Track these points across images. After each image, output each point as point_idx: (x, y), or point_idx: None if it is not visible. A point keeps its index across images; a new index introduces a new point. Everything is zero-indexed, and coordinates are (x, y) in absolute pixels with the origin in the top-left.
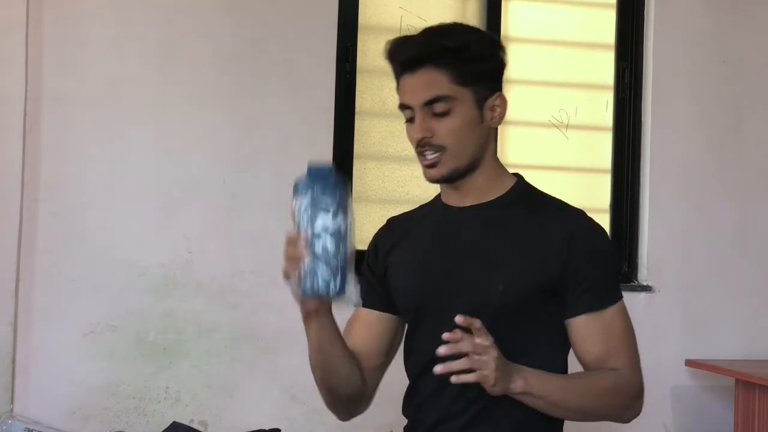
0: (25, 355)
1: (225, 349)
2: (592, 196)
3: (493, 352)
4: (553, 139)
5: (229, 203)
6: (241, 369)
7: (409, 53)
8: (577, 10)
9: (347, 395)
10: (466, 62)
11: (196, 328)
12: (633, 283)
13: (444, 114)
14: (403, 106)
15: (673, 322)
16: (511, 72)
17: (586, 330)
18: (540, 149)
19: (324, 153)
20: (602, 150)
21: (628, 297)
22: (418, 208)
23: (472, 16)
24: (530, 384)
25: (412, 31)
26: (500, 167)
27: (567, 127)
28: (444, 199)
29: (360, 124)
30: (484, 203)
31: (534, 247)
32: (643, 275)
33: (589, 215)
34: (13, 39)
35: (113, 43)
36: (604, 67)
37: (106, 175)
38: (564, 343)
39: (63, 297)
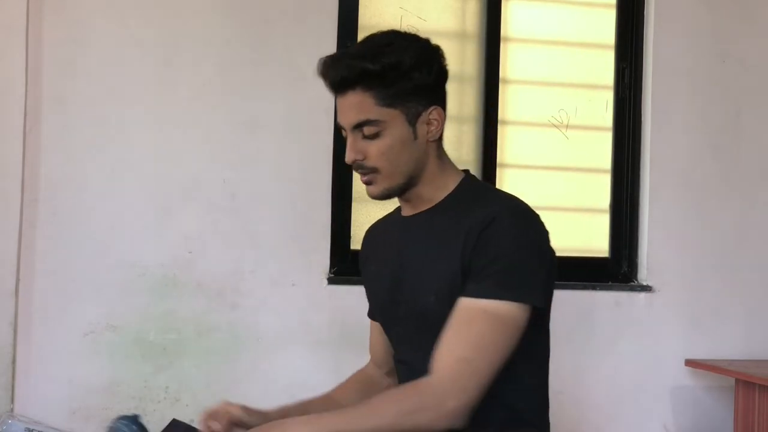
0: (25, 355)
1: (225, 349)
2: (592, 196)
3: None
4: (553, 139)
5: (229, 203)
6: (241, 369)
7: (333, 76)
8: (577, 10)
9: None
10: (391, 83)
11: (196, 328)
12: (633, 283)
13: (373, 136)
14: (339, 127)
15: (673, 322)
16: (510, 72)
17: (453, 313)
18: (540, 149)
19: (324, 153)
20: (602, 150)
21: (628, 297)
22: (390, 213)
23: (472, 16)
24: None
25: (412, 30)
26: (443, 173)
27: (567, 127)
28: (401, 209)
29: None
30: (427, 210)
31: (456, 249)
32: (643, 275)
33: (521, 209)
34: (13, 39)
35: (113, 43)
36: (604, 67)
37: (106, 175)
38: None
39: (63, 297)
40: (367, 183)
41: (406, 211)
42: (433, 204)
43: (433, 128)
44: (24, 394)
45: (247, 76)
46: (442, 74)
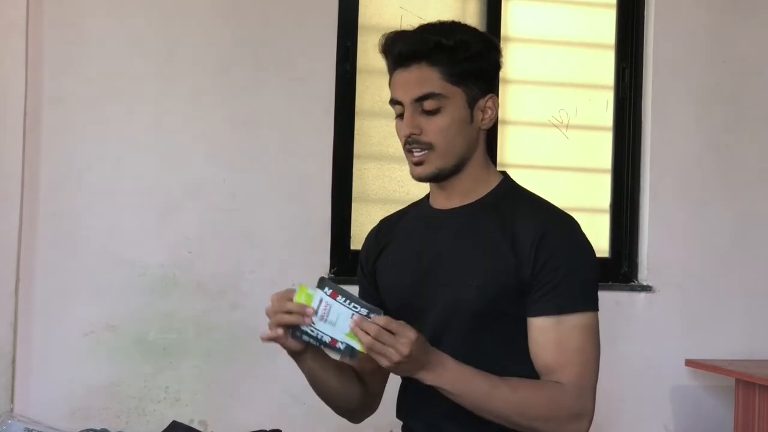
0: (25, 355)
1: (225, 349)
2: (592, 196)
3: (401, 342)
4: (553, 139)
5: (229, 203)
6: (241, 369)
7: (404, 48)
8: (577, 10)
9: (352, 407)
10: (460, 61)
11: (196, 328)
12: (633, 283)
13: (434, 112)
14: (393, 102)
15: (673, 322)
16: (511, 72)
17: (540, 334)
18: (540, 149)
19: (324, 153)
20: (602, 150)
21: (628, 297)
22: (407, 207)
23: (472, 16)
24: (444, 380)
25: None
26: (487, 168)
27: (567, 127)
28: (431, 200)
29: (360, 124)
30: (466, 205)
31: (505, 249)
32: (643, 275)
33: (571, 221)
34: (13, 39)
35: (113, 43)
36: (604, 67)
37: (106, 175)
38: None
39: (63, 297)
40: (418, 163)
41: (441, 203)
42: (474, 199)
43: (487, 116)
44: (24, 394)
45: (247, 76)
46: (499, 67)
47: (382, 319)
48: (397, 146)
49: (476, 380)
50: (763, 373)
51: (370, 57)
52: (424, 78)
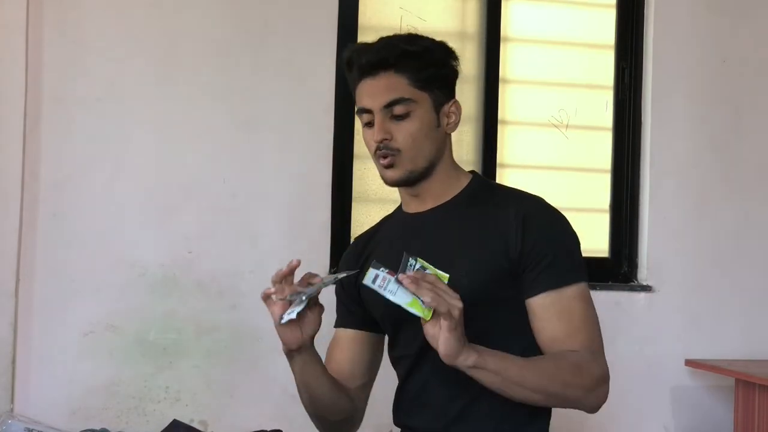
0: (25, 355)
1: (225, 349)
2: (592, 196)
3: (458, 302)
4: (553, 139)
5: (229, 203)
6: (241, 369)
7: (371, 57)
8: (577, 10)
9: (338, 420)
10: (425, 67)
11: (196, 328)
12: (633, 283)
13: (403, 116)
14: (361, 111)
15: (673, 322)
16: (510, 72)
17: (543, 310)
18: (540, 149)
19: (324, 153)
20: (602, 150)
21: (628, 297)
22: (379, 222)
23: (472, 16)
24: (485, 359)
25: (407, 32)
26: (455, 169)
27: (567, 127)
28: (404, 208)
29: (360, 124)
30: (440, 205)
31: (490, 236)
32: (643, 275)
33: (544, 200)
34: (13, 39)
35: (113, 43)
36: (604, 67)
37: (106, 175)
38: (529, 325)
39: (63, 297)
40: (389, 166)
41: (414, 208)
42: (446, 200)
43: (452, 120)
44: (24, 394)
45: (247, 76)
46: (458, 73)
47: (430, 277)
48: None
49: (511, 358)
50: (763, 373)
51: None
52: (393, 84)
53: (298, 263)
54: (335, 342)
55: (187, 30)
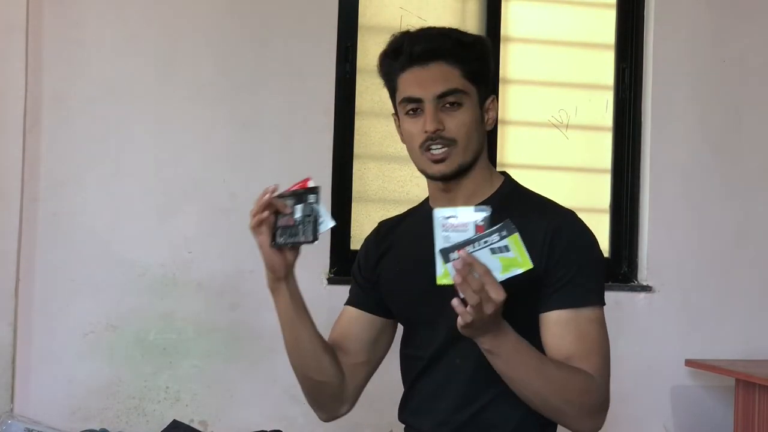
0: (25, 355)
1: (225, 349)
2: (592, 196)
3: (490, 309)
4: (553, 139)
5: (229, 203)
6: (241, 369)
7: (425, 46)
8: (577, 10)
9: (324, 383)
10: (475, 60)
11: (196, 328)
12: (633, 283)
13: (457, 107)
14: (408, 100)
15: (673, 322)
16: (511, 72)
17: (557, 327)
18: (540, 149)
19: (324, 153)
20: (602, 150)
21: (628, 297)
22: (407, 212)
23: (472, 16)
24: (504, 348)
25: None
26: (489, 169)
27: (567, 127)
28: (432, 203)
29: (360, 124)
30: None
31: None
32: (643, 275)
33: (578, 216)
34: (13, 39)
35: (113, 43)
36: (604, 67)
37: (106, 175)
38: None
39: (63, 297)
40: (441, 159)
41: (441, 206)
42: (478, 201)
43: (490, 117)
44: (24, 394)
45: (247, 76)
46: (496, 71)
47: (482, 267)
48: (396, 146)
49: (530, 354)
50: (763, 373)
51: (370, 57)
52: (446, 74)
53: (276, 187)
54: (339, 316)
55: (187, 30)
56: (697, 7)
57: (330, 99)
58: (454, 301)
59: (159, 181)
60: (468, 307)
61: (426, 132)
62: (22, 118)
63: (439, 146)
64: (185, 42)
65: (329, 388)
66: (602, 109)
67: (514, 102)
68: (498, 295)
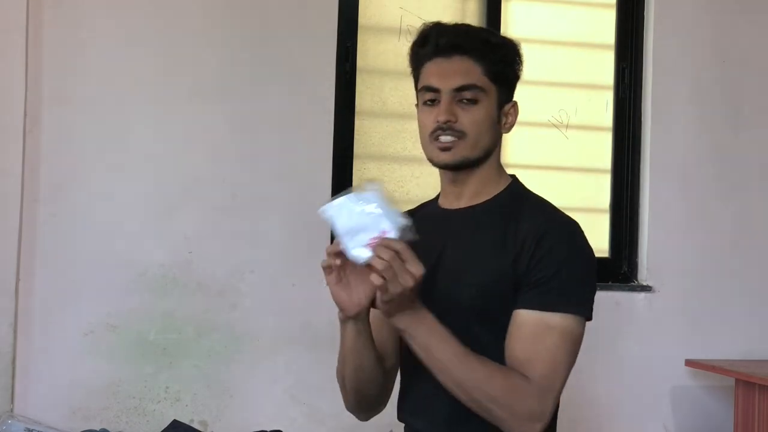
0: (25, 355)
1: (225, 349)
2: (592, 196)
3: (408, 282)
4: (553, 139)
5: (229, 203)
6: (241, 369)
7: (452, 38)
8: (577, 10)
9: (374, 395)
10: (500, 60)
11: (196, 328)
12: (633, 283)
13: (472, 103)
14: (427, 89)
15: (673, 322)
16: None
17: (515, 326)
18: (540, 149)
19: (324, 152)
20: (602, 150)
21: (628, 297)
22: (418, 207)
23: (472, 16)
24: (419, 330)
25: (413, 31)
26: (498, 171)
27: (567, 127)
28: (441, 200)
29: (360, 124)
30: (475, 205)
31: (508, 252)
32: (643, 275)
33: (576, 227)
34: (13, 39)
35: (113, 43)
36: (604, 67)
37: (106, 175)
38: None
39: (63, 297)
40: (447, 148)
41: (449, 203)
42: (483, 200)
43: (509, 121)
44: (24, 394)
45: (247, 76)
46: (519, 77)
47: (399, 244)
48: (396, 146)
49: (449, 341)
50: (763, 373)
51: (369, 57)
52: (467, 69)
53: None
54: (378, 320)
55: (187, 30)
56: (697, 7)
57: (330, 99)
58: (373, 276)
59: (159, 181)
60: (387, 283)
61: (438, 121)
62: (22, 119)
63: (448, 136)
64: (185, 42)
65: (377, 396)
66: (602, 109)
67: None
68: (417, 270)
